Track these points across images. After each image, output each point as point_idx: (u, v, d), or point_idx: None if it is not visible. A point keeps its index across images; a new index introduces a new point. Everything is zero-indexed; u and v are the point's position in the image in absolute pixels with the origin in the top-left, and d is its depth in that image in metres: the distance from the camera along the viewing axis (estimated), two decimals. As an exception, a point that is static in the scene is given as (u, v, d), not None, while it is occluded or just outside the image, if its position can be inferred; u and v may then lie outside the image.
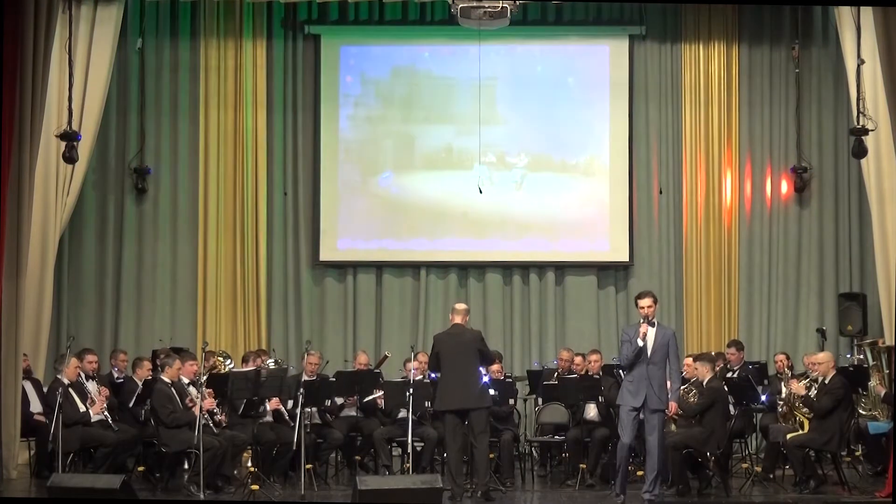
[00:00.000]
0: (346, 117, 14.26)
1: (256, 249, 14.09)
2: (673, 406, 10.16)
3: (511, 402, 12.03)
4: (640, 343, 9.96)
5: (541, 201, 14.20)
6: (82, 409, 10.89)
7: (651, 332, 10.01)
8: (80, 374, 11.16)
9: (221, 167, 14.12)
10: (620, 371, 10.76)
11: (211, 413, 10.65)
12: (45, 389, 11.86)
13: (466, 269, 14.31)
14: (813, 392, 10.86)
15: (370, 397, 11.75)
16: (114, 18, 13.06)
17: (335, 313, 14.23)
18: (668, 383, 10.08)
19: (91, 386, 11.21)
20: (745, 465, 11.69)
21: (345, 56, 14.29)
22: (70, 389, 10.89)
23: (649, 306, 10.09)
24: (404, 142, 14.28)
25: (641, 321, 10.07)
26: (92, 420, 10.93)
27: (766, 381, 12.12)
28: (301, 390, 10.65)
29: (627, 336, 10.12)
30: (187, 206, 14.18)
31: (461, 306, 11.02)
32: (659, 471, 9.97)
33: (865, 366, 12.10)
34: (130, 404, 11.26)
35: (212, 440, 10.40)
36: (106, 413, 10.97)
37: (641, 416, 9.98)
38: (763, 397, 11.63)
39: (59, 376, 10.93)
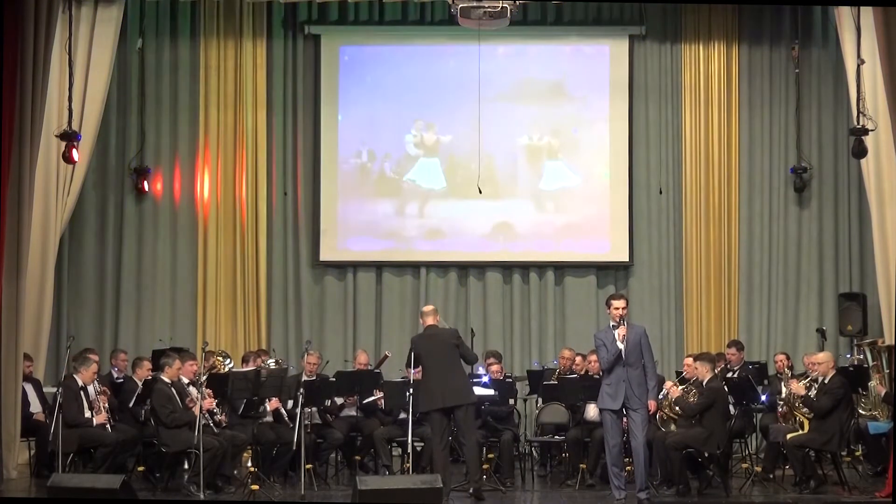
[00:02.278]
0: (346, 117, 14.26)
1: (256, 249, 14.09)
2: (652, 405, 10.19)
3: (511, 402, 12.04)
4: (621, 346, 10.04)
5: (540, 201, 14.20)
6: (87, 414, 10.86)
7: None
8: (96, 379, 11.14)
9: (221, 167, 14.12)
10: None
11: (211, 413, 10.65)
12: (44, 390, 11.86)
13: (466, 269, 14.31)
14: (813, 392, 10.86)
15: (370, 399, 11.75)
16: (114, 18, 13.05)
17: (335, 313, 14.23)
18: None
19: (90, 388, 11.18)
20: (745, 465, 11.69)
21: (345, 56, 14.29)
22: (81, 392, 10.87)
23: (624, 308, 10.23)
24: (403, 142, 14.27)
25: (617, 323, 10.16)
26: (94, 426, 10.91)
27: (766, 381, 12.13)
28: (301, 390, 10.65)
29: (601, 341, 10.22)
30: (187, 206, 14.18)
31: (429, 308, 10.98)
32: (647, 471, 10.10)
33: (865, 366, 12.10)
34: (130, 404, 11.25)
35: (212, 440, 10.40)
36: (108, 423, 10.95)
37: (625, 416, 10.11)
38: (763, 397, 11.64)
39: (75, 376, 10.89)
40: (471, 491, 10.37)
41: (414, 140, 14.26)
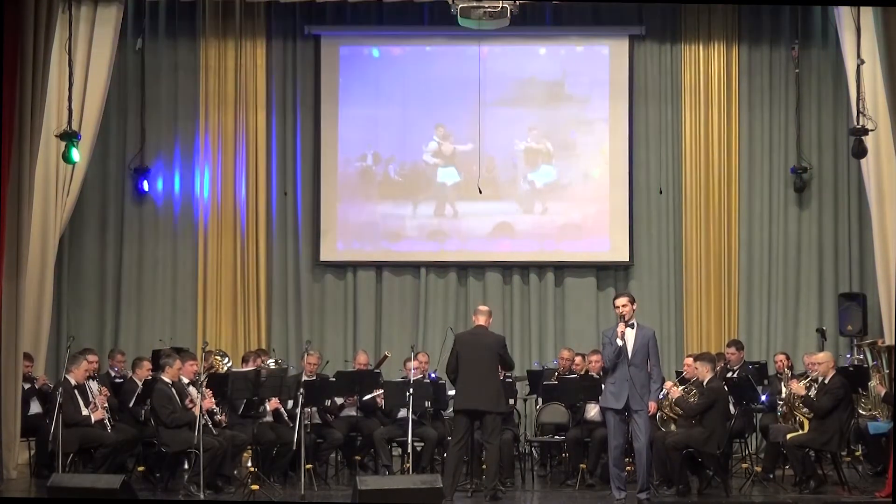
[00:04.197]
0: (346, 117, 14.25)
1: (256, 249, 14.10)
2: (652, 406, 10.21)
3: (511, 402, 12.03)
4: (620, 342, 10.06)
5: (540, 201, 14.20)
6: (84, 412, 10.86)
7: (630, 334, 10.13)
8: (87, 377, 11.13)
9: (221, 167, 14.12)
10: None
11: (211, 413, 10.65)
12: (36, 388, 11.85)
13: (466, 269, 14.31)
14: (813, 392, 10.86)
15: (370, 395, 11.75)
16: (114, 18, 13.06)
17: (335, 313, 14.24)
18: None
19: (93, 385, 11.18)
20: (745, 465, 11.70)
21: (344, 56, 14.29)
22: (75, 391, 10.87)
23: (624, 305, 10.23)
24: (404, 142, 14.27)
25: (619, 322, 10.16)
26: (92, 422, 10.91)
27: (766, 381, 12.13)
28: (301, 390, 10.65)
29: (608, 338, 10.25)
30: (187, 207, 14.19)
31: (484, 308, 10.94)
32: (648, 472, 10.15)
33: (865, 366, 12.10)
34: (130, 404, 11.26)
35: (212, 440, 10.40)
36: (108, 420, 10.94)
37: (628, 416, 10.13)
38: (763, 397, 11.64)
39: (67, 376, 10.91)
40: (487, 498, 10.35)
41: (413, 140, 14.25)
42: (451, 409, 10.80)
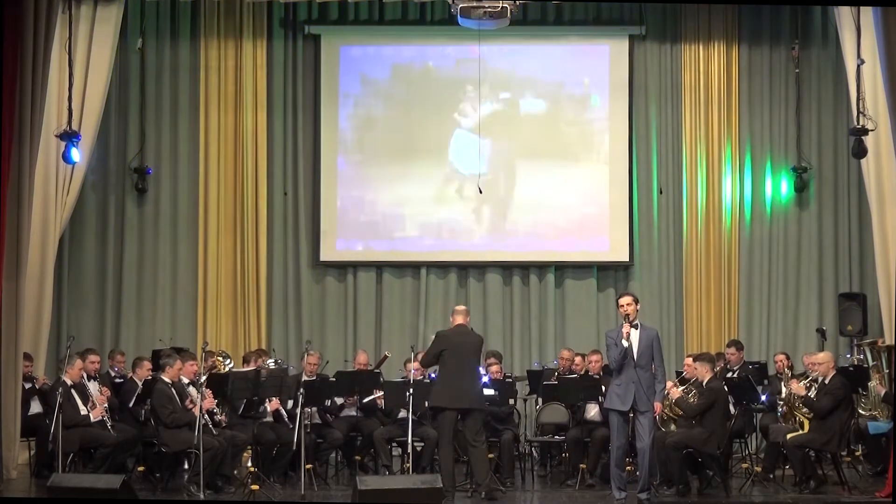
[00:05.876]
0: (346, 117, 14.26)
1: (256, 249, 14.10)
2: (658, 406, 10.20)
3: (511, 402, 12.04)
4: (626, 344, 10.02)
5: (540, 201, 14.20)
6: (83, 411, 10.87)
7: (635, 334, 10.09)
8: (83, 375, 11.13)
9: (221, 167, 14.12)
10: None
11: (211, 413, 10.65)
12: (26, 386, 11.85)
13: (466, 269, 14.31)
14: (813, 392, 10.86)
15: (370, 397, 11.75)
16: (114, 18, 13.07)
17: (335, 313, 14.24)
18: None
19: (93, 386, 11.18)
20: (745, 465, 11.70)
21: (345, 56, 14.29)
22: (72, 390, 10.87)
23: (629, 304, 10.20)
24: (404, 142, 14.27)
25: (623, 322, 10.14)
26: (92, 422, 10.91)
27: (766, 381, 12.13)
28: (301, 390, 10.66)
29: (612, 339, 10.19)
30: (187, 206, 14.19)
31: (462, 308, 11.07)
32: (650, 472, 10.13)
33: (865, 366, 12.11)
34: (130, 404, 11.26)
35: (212, 440, 10.40)
36: (106, 417, 10.94)
37: (632, 417, 10.11)
38: (763, 397, 11.64)
39: (62, 376, 10.91)
40: (483, 495, 10.38)
41: (414, 140, 14.25)
42: (431, 403, 10.72)
